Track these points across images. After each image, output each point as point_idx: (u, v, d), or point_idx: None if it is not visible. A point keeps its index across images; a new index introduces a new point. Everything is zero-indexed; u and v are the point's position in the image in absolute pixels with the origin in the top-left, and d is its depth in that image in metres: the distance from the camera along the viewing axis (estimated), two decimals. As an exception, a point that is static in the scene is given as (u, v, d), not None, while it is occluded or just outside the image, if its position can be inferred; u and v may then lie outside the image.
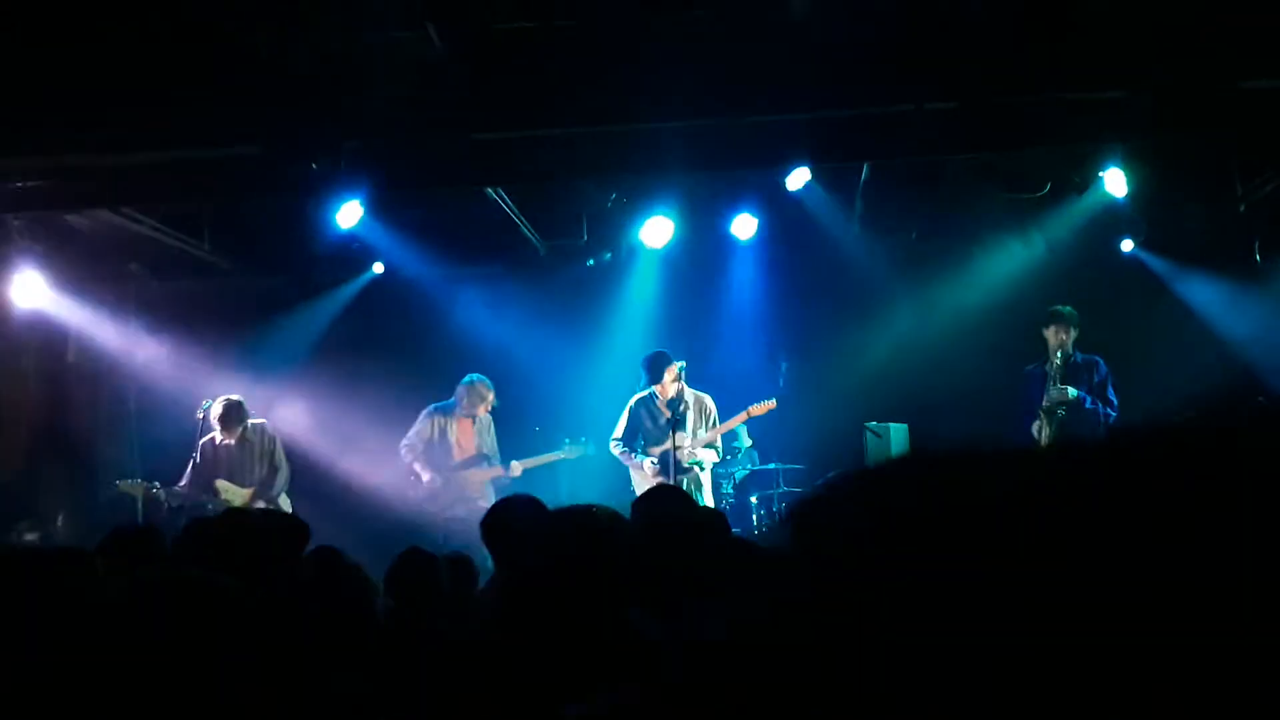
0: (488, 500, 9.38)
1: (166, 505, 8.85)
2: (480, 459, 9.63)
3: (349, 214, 8.84)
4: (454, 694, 2.36)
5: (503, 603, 2.31)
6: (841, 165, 8.95)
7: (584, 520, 2.44)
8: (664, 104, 6.97)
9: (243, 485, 9.09)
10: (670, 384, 9.07)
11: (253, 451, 9.22)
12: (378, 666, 2.59)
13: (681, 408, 8.98)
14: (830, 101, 7.11)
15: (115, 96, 6.70)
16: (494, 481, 9.59)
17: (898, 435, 10.02)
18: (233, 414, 9.05)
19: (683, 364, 9.11)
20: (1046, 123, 7.03)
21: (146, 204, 8.77)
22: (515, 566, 2.43)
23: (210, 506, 8.41)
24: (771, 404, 9.28)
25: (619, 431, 9.30)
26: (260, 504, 9.07)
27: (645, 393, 9.27)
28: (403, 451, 9.60)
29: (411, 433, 9.62)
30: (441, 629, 2.79)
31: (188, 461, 9.08)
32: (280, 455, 9.34)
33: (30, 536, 9.05)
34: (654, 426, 9.18)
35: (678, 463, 8.78)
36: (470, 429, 9.65)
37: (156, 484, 8.98)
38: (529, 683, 2.12)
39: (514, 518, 3.66)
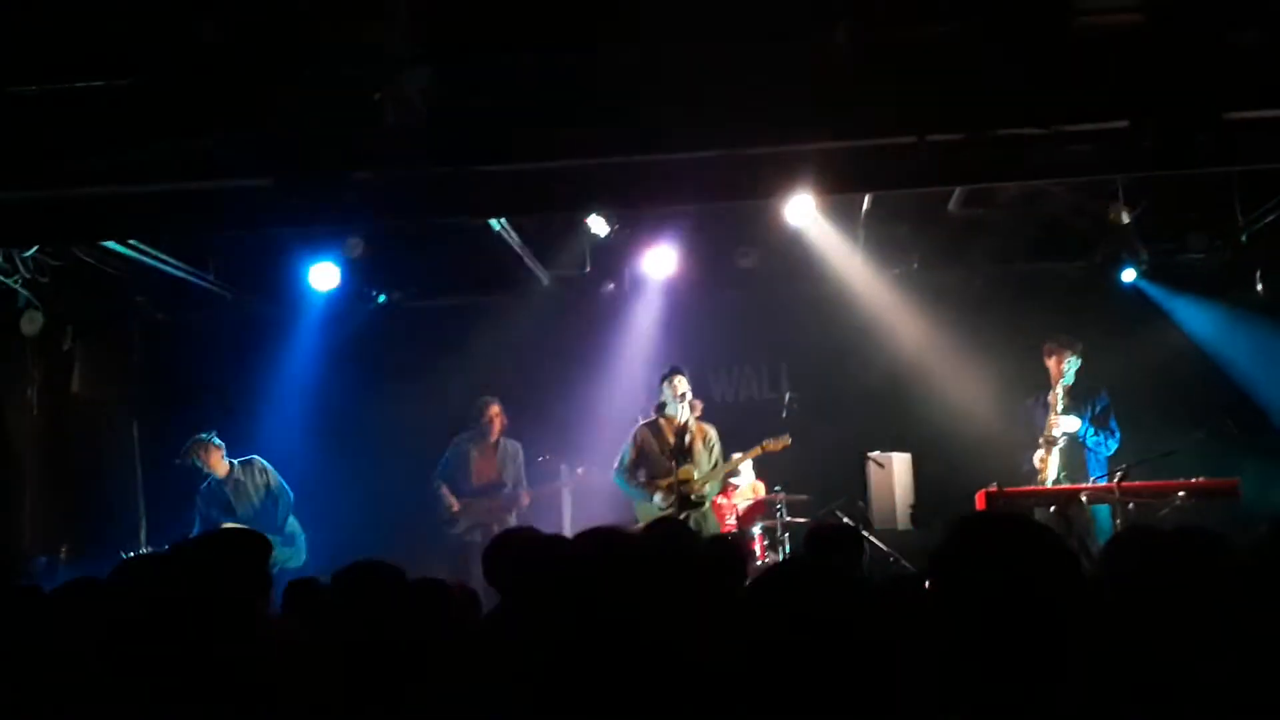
0: (504, 528, 9.39)
1: None
2: (499, 486, 9.65)
3: (354, 245, 8.89)
4: None
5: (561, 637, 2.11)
6: (844, 195, 8.97)
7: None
8: (668, 136, 6.99)
9: (247, 523, 9.17)
10: (679, 407, 8.94)
11: (246, 490, 9.41)
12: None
13: (688, 438, 8.93)
14: (833, 132, 7.13)
15: (120, 129, 6.72)
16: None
17: (900, 465, 10.03)
18: (206, 449, 9.29)
19: (690, 394, 9.05)
20: (1049, 154, 7.04)
21: (152, 235, 8.79)
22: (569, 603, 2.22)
23: None
24: (786, 441, 9.05)
25: (622, 461, 9.15)
26: (270, 535, 9.17)
27: (650, 420, 9.16)
28: (433, 476, 9.71)
29: (442, 459, 9.77)
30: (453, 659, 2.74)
31: (193, 516, 9.32)
32: (276, 482, 9.48)
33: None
34: (660, 456, 9.01)
35: (686, 496, 8.72)
36: (493, 455, 9.73)
37: (166, 548, 9.21)
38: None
39: (525, 551, 3.57)
